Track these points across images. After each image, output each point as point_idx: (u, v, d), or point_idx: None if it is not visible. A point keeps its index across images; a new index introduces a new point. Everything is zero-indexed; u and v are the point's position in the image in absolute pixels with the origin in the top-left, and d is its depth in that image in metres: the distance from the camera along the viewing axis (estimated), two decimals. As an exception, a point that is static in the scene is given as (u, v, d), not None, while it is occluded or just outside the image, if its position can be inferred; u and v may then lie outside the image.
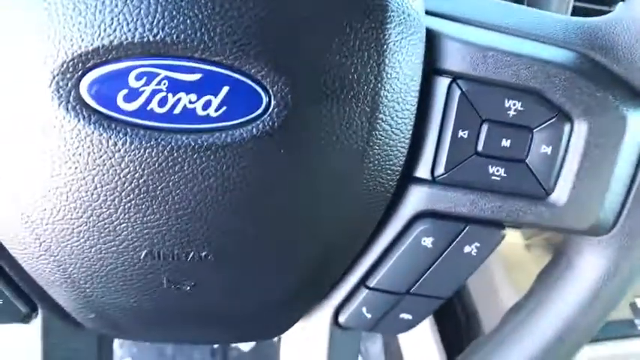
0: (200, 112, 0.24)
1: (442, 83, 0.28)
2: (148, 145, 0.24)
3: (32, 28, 0.23)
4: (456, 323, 0.96)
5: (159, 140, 0.24)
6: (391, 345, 1.13)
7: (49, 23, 0.22)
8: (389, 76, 0.26)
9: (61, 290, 0.29)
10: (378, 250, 0.31)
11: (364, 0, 0.25)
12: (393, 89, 0.26)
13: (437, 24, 0.28)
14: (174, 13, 0.23)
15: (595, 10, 0.59)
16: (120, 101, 0.23)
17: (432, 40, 0.28)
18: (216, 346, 1.12)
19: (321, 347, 0.35)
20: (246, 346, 1.13)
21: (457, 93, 0.28)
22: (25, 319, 0.32)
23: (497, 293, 0.85)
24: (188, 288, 0.28)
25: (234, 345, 1.13)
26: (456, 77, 0.28)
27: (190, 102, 0.24)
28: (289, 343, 0.38)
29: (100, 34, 0.23)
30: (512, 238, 0.88)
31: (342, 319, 0.34)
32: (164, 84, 0.23)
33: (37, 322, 0.33)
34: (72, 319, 0.32)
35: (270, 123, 0.24)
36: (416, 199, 0.30)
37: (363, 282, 0.33)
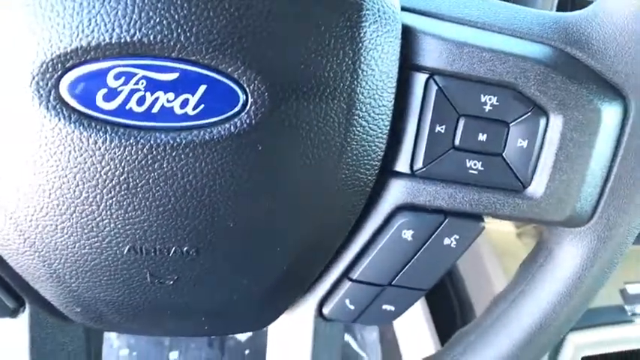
0: (178, 111, 0.24)
1: (419, 79, 0.29)
2: (128, 143, 0.24)
3: (12, 28, 0.23)
4: (450, 311, 0.97)
5: (138, 138, 0.24)
6: (387, 333, 1.14)
7: (28, 24, 0.23)
8: (365, 73, 0.26)
9: (47, 285, 0.30)
10: (360, 243, 0.32)
11: (341, 9, 0.25)
12: (369, 86, 0.27)
13: (413, 20, 0.28)
14: (150, 13, 0.23)
15: (582, 2, 0.59)
16: (99, 100, 0.24)
17: (408, 36, 0.28)
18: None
19: (305, 338, 0.36)
20: (243, 336, 1.14)
21: (434, 88, 0.29)
22: (13, 313, 0.33)
23: (490, 281, 0.85)
24: (171, 282, 0.29)
25: (230, 335, 1.14)
26: (432, 73, 0.29)
27: (168, 101, 0.24)
28: (275, 335, 0.39)
29: (78, 35, 0.23)
30: (504, 226, 0.88)
31: (326, 310, 0.35)
32: (142, 83, 0.24)
33: (24, 317, 0.33)
34: (59, 313, 0.33)
35: (248, 120, 0.25)
36: (395, 192, 0.30)
37: (345, 274, 0.33)
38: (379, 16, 0.26)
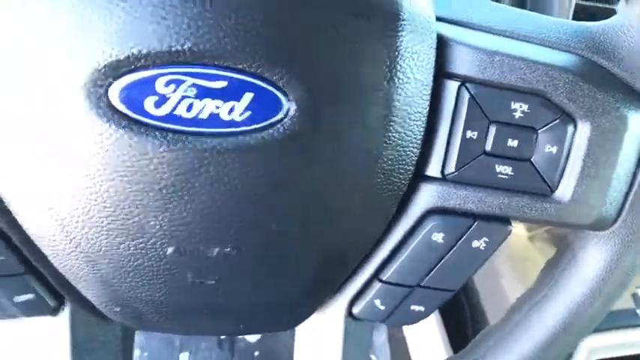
0: (225, 117, 0.25)
1: (452, 87, 0.30)
2: (176, 147, 0.25)
3: (65, 35, 0.24)
4: (460, 313, 0.98)
5: (186, 143, 0.25)
6: (396, 335, 1.15)
7: (81, 31, 0.24)
8: (402, 80, 0.27)
9: (89, 285, 0.31)
10: (391, 245, 0.33)
11: (378, 10, 0.26)
12: (406, 93, 0.28)
13: (447, 30, 0.29)
14: (200, 23, 0.24)
15: (598, 7, 0.60)
16: (149, 106, 0.25)
17: (442, 45, 0.29)
18: (223, 336, 1.13)
19: (335, 338, 0.37)
20: (252, 337, 1.15)
21: (466, 96, 0.29)
22: (54, 312, 0.34)
23: (501, 284, 0.86)
24: (211, 282, 0.30)
25: (240, 336, 1.14)
26: (464, 81, 0.29)
27: (216, 107, 0.25)
28: (304, 334, 0.40)
29: (129, 43, 0.24)
30: (516, 230, 0.89)
31: (356, 310, 0.35)
32: (191, 90, 0.25)
33: (64, 315, 0.34)
34: (98, 312, 0.34)
35: (291, 126, 0.26)
36: (427, 196, 0.31)
37: (376, 275, 0.34)
38: (416, 26, 0.27)
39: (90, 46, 0.24)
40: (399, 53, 0.27)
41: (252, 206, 0.27)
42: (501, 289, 0.85)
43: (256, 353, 1.19)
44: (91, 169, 0.26)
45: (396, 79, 0.27)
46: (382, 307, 0.35)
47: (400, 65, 0.27)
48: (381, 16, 0.26)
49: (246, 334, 0.37)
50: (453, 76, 0.29)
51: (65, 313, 0.34)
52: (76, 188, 0.26)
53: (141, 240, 0.28)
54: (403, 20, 0.27)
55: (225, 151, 0.26)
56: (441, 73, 0.29)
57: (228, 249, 0.29)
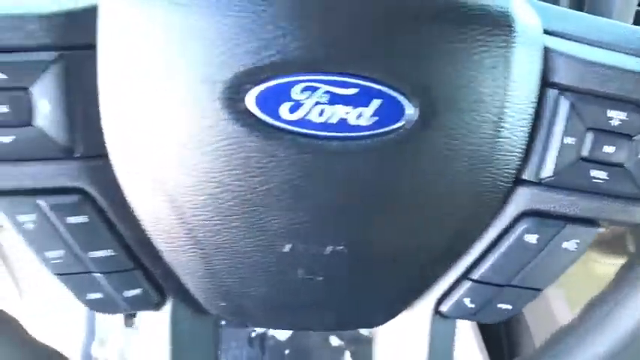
0: (352, 122, 0.27)
1: (552, 94, 0.31)
2: (305, 150, 0.27)
3: (207, 42, 0.25)
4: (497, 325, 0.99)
5: (315, 146, 0.27)
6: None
7: (226, 40, 0.25)
8: (513, 89, 0.29)
9: (199, 280, 0.32)
10: (483, 245, 0.34)
11: (495, 23, 0.27)
12: (516, 101, 0.29)
13: (550, 41, 0.31)
14: (337, 35, 0.25)
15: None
16: (283, 112, 0.26)
17: (545, 55, 0.30)
18: (253, 334, 1.15)
19: (422, 335, 0.38)
20: (282, 335, 1.17)
21: (565, 104, 0.31)
22: (156, 306, 0.35)
23: (544, 294, 0.87)
24: (320, 278, 0.31)
25: (270, 334, 1.16)
26: (564, 89, 0.31)
27: (345, 113, 0.26)
28: (387, 331, 0.41)
29: (270, 52, 0.25)
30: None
31: (444, 308, 0.37)
32: (324, 97, 0.26)
33: (166, 310, 0.36)
34: (198, 307, 0.35)
35: (412, 131, 0.27)
36: (522, 199, 0.33)
37: (466, 274, 0.35)
38: (527, 37, 0.29)
39: (232, 54, 0.25)
40: (513, 63, 0.28)
41: (369, 206, 0.29)
42: (543, 296, 0.86)
43: (287, 351, 1.20)
44: (222, 168, 0.27)
45: (510, 88, 0.28)
46: (471, 306, 0.36)
47: (513, 74, 0.28)
48: (498, 28, 0.27)
49: (340, 329, 0.38)
50: (553, 85, 0.31)
51: (167, 308, 0.36)
52: (205, 186, 0.28)
53: (260, 238, 0.29)
54: (516, 33, 0.28)
55: (350, 154, 0.27)
56: (543, 81, 0.31)
57: (341, 247, 0.30)
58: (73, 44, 0.28)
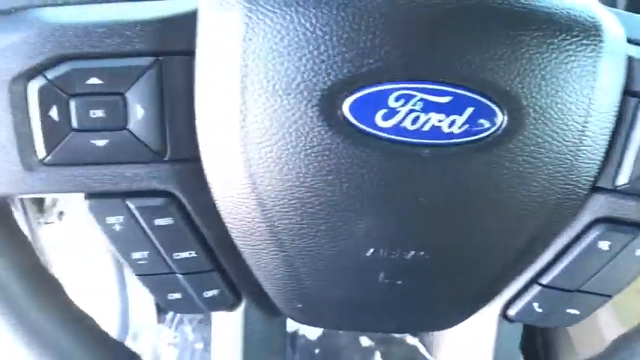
0: (445, 130, 0.27)
1: (632, 103, 0.31)
2: (397, 157, 0.27)
3: (308, 52, 0.26)
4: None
5: (407, 153, 0.27)
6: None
7: (322, 50, 0.26)
8: (598, 98, 0.29)
9: (278, 282, 0.33)
10: (554, 250, 0.35)
11: (584, 34, 0.28)
12: (599, 110, 0.29)
13: (633, 50, 0.31)
14: (432, 44, 0.26)
15: None
16: (378, 119, 0.27)
17: (628, 64, 0.31)
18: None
19: (488, 338, 0.38)
20: (313, 334, 1.17)
21: None
22: (231, 307, 0.36)
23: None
24: (400, 282, 0.32)
25: (301, 333, 1.17)
26: None
27: (439, 121, 0.27)
28: (453, 333, 0.41)
29: (366, 61, 0.26)
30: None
31: (511, 312, 0.37)
32: (419, 105, 0.27)
33: (239, 310, 0.36)
34: (271, 309, 0.36)
35: (501, 138, 0.28)
36: (596, 206, 0.33)
37: (535, 279, 0.36)
38: (613, 47, 0.29)
39: (330, 63, 0.26)
40: (599, 72, 0.28)
41: (453, 212, 0.29)
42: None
43: (317, 351, 1.21)
44: (313, 174, 0.28)
45: (595, 97, 0.29)
46: (539, 310, 0.36)
47: (599, 83, 0.29)
48: (587, 38, 0.28)
49: (411, 332, 0.39)
50: (634, 94, 0.31)
51: (240, 309, 0.36)
52: (295, 191, 0.29)
53: (345, 242, 0.30)
54: (604, 42, 0.28)
55: (440, 161, 0.28)
56: (624, 90, 0.31)
57: (423, 252, 0.30)
58: (170, 50, 0.29)
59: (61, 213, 1.10)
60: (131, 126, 0.29)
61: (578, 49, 0.28)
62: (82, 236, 1.08)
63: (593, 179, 0.31)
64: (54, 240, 1.08)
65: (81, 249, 1.09)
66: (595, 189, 0.33)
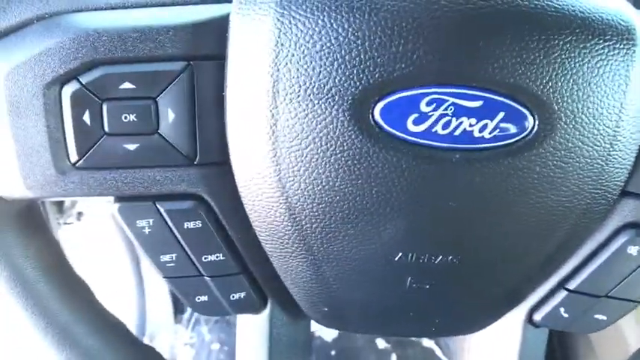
0: (476, 134, 0.27)
1: None
2: (428, 162, 0.27)
3: (340, 57, 0.26)
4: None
5: (438, 158, 0.27)
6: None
7: (355, 55, 0.26)
8: (630, 102, 0.29)
9: (305, 286, 0.33)
10: (581, 255, 0.34)
11: (617, 39, 0.27)
12: (631, 114, 0.29)
13: None
14: (464, 49, 0.26)
15: None
16: (409, 124, 0.27)
17: None
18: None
19: (513, 343, 0.38)
20: (329, 336, 1.18)
21: None
22: (257, 310, 0.36)
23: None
24: (427, 287, 0.32)
25: (317, 334, 1.17)
26: None
27: (470, 125, 0.27)
28: (478, 337, 0.41)
29: (400, 65, 0.26)
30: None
31: (537, 317, 0.37)
32: (450, 109, 0.27)
33: (265, 313, 0.37)
34: (296, 312, 0.36)
35: (532, 143, 0.27)
36: (626, 211, 0.33)
37: (562, 284, 0.35)
38: None
39: (361, 67, 0.26)
40: (632, 77, 0.28)
41: (483, 217, 0.29)
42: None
43: (333, 352, 1.21)
44: (343, 178, 0.28)
45: (626, 101, 0.28)
46: (566, 315, 0.36)
47: (631, 88, 0.28)
48: (620, 42, 0.28)
49: (436, 336, 0.39)
50: None
51: (265, 312, 0.37)
52: (325, 195, 0.29)
53: (373, 246, 0.30)
54: (637, 45, 0.28)
55: (471, 165, 0.28)
56: None
57: (451, 257, 0.30)
58: (201, 54, 0.29)
59: (79, 213, 1.11)
60: (162, 130, 0.29)
61: (611, 53, 0.27)
62: (100, 237, 1.09)
63: (623, 184, 0.31)
64: (73, 240, 1.08)
65: (99, 249, 1.10)
66: (624, 193, 0.32)
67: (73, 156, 0.29)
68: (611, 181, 0.30)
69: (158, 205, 0.31)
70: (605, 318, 0.36)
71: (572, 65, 0.27)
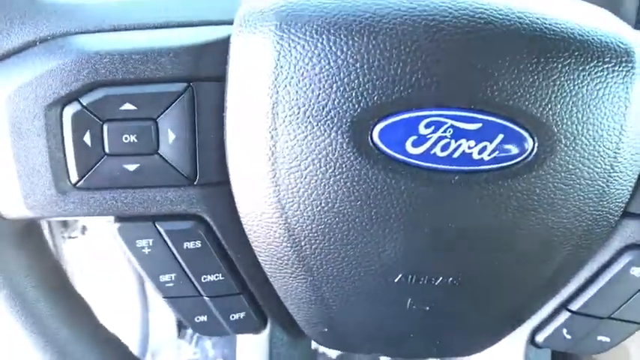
0: (475, 156, 0.27)
1: None
2: (427, 183, 0.27)
3: (339, 80, 0.26)
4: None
5: (437, 180, 0.27)
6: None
7: (354, 78, 0.26)
8: (630, 124, 0.29)
9: (304, 306, 0.33)
10: (583, 277, 0.34)
11: (616, 61, 0.27)
12: (632, 136, 0.29)
13: None
14: (463, 72, 0.26)
15: None
16: (408, 146, 0.27)
17: None
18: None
19: None
20: (333, 353, 1.17)
21: None
22: (257, 330, 0.36)
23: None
24: (427, 308, 0.32)
25: (321, 350, 1.16)
26: None
27: (469, 147, 0.27)
28: (481, 358, 0.41)
29: (398, 88, 0.26)
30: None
31: (539, 338, 0.37)
32: (449, 131, 0.26)
33: (265, 333, 0.36)
34: (295, 332, 0.36)
35: (533, 166, 0.27)
36: (628, 232, 0.32)
37: (564, 306, 0.35)
38: None
39: (360, 90, 0.26)
40: (632, 98, 0.28)
41: (483, 238, 0.29)
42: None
43: (337, 368, 1.19)
44: (343, 199, 0.28)
45: (628, 122, 0.28)
46: (568, 337, 0.36)
47: (631, 110, 0.28)
48: (620, 65, 0.28)
49: (437, 357, 0.38)
50: None
51: (265, 332, 0.36)
52: (324, 216, 0.29)
53: (373, 267, 0.30)
54: (636, 67, 0.28)
55: (470, 188, 0.27)
56: None
57: (451, 278, 0.30)
58: (202, 76, 0.29)
59: (84, 227, 1.11)
60: (162, 150, 0.29)
61: (610, 75, 0.27)
62: (105, 251, 1.09)
63: (624, 205, 0.31)
64: (77, 254, 1.09)
65: (104, 264, 1.10)
66: (626, 214, 0.32)
67: (74, 176, 0.29)
68: (612, 202, 0.30)
69: (158, 226, 0.31)
70: (608, 340, 0.36)
71: (572, 87, 0.27)
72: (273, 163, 0.28)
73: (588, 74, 0.27)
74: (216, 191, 0.31)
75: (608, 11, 0.30)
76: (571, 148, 0.28)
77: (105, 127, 0.29)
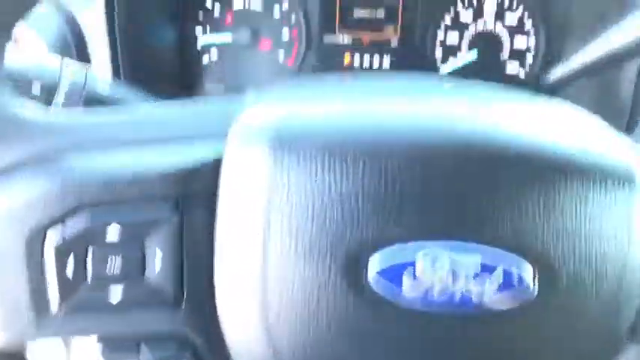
0: (474, 299, 0.26)
1: None
2: (424, 326, 0.26)
3: (332, 216, 0.25)
4: None
5: (435, 322, 0.26)
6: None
7: (347, 211, 0.25)
8: (635, 249, 0.27)
9: None
10: None
11: (618, 181, 0.27)
12: (637, 261, 0.28)
13: None
14: (461, 209, 0.25)
15: None
16: (404, 288, 0.26)
17: None
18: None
19: None
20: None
21: None
22: None
23: None
24: None
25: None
26: None
27: (467, 290, 0.26)
28: None
29: (392, 225, 0.25)
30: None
31: None
32: (447, 272, 0.26)
33: None
34: None
35: (535, 308, 0.26)
36: (632, 356, 0.31)
37: None
38: None
39: (355, 225, 0.25)
40: (633, 219, 0.27)
41: None
42: None
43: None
44: (333, 336, 0.27)
45: (632, 241, 0.27)
46: None
47: (633, 231, 0.27)
48: (621, 187, 0.27)
49: None
50: None
51: None
52: (315, 353, 0.27)
53: None
54: (638, 191, 0.27)
55: (469, 329, 0.27)
56: None
57: None
58: (190, 200, 0.28)
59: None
60: (148, 274, 0.28)
61: (612, 200, 0.27)
62: None
63: (631, 331, 0.30)
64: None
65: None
66: (633, 338, 0.31)
67: (54, 304, 0.28)
68: (618, 330, 0.29)
69: (142, 347, 0.30)
70: None
71: (574, 216, 0.26)
72: (263, 296, 0.27)
73: (591, 202, 0.26)
74: (203, 312, 0.30)
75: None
76: (573, 286, 0.27)
77: (89, 252, 0.28)
